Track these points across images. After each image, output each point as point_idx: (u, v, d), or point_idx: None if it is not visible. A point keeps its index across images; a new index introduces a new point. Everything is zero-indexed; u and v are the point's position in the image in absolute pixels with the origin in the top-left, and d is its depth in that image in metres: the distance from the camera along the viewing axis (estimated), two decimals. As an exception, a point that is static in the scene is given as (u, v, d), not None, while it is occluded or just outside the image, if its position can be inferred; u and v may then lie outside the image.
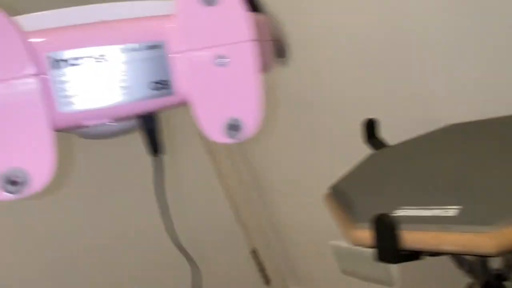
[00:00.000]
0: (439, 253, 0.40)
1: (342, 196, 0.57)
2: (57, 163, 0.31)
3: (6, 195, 0.29)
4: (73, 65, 0.31)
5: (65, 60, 0.31)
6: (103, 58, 0.32)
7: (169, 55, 0.33)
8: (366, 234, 0.42)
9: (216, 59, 0.33)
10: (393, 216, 0.42)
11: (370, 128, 0.74)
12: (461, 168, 0.50)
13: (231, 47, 0.34)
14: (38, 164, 0.30)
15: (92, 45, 0.31)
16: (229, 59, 0.34)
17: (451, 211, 0.40)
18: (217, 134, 0.34)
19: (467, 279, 0.63)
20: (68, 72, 0.31)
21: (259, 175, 1.35)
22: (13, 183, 0.29)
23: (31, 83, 0.30)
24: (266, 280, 1.35)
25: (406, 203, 0.45)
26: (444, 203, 0.41)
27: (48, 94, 0.30)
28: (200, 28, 0.33)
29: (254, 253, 1.33)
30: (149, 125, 0.39)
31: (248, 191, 1.34)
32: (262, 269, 1.34)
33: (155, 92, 0.33)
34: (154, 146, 0.40)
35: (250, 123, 0.35)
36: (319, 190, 1.14)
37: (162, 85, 0.33)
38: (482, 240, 0.35)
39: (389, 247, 0.40)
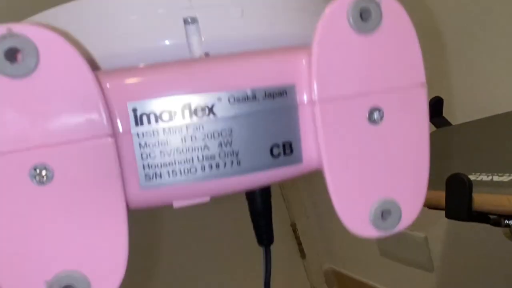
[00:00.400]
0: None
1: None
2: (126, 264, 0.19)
3: None
4: (164, 120, 0.20)
5: (155, 114, 0.20)
6: (208, 111, 0.20)
7: (300, 106, 0.21)
8: (437, 194, 0.43)
9: (371, 113, 0.21)
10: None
11: (436, 107, 0.69)
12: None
13: (396, 94, 0.21)
14: (105, 269, 0.19)
15: (193, 91, 0.20)
16: (388, 113, 0.21)
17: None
18: (361, 224, 0.22)
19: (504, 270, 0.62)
20: (157, 131, 0.20)
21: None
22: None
23: (105, 146, 0.19)
24: (303, 254, 1.34)
25: (478, 170, 0.46)
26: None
27: (128, 162, 0.20)
28: (349, 65, 0.21)
29: (294, 227, 1.33)
30: (259, 206, 0.29)
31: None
32: (299, 243, 1.34)
33: (276, 160, 0.21)
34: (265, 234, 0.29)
35: (410, 208, 0.23)
36: None
37: (287, 149, 0.21)
38: None
39: (462, 204, 0.41)
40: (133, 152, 0.20)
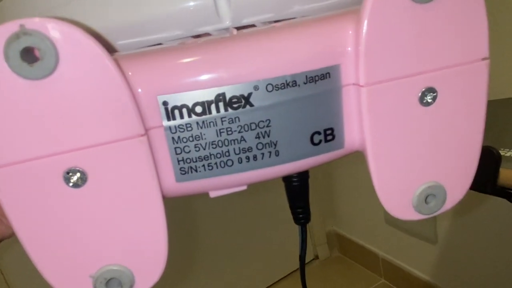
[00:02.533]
0: None
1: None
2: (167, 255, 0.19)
3: None
4: (198, 113, 0.18)
5: (187, 107, 0.18)
6: (244, 101, 0.18)
7: (344, 88, 0.19)
8: None
9: (423, 95, 0.18)
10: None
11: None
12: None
13: (453, 73, 0.18)
14: (147, 260, 0.19)
15: (228, 81, 0.18)
16: (443, 93, 0.19)
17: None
18: (403, 209, 0.20)
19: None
20: (190, 125, 0.19)
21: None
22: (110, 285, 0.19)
23: (137, 145, 0.18)
24: None
25: (507, 146, 0.46)
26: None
27: (162, 157, 0.19)
28: (403, 41, 0.18)
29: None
30: (297, 188, 0.27)
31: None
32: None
33: (317, 148, 0.20)
34: (303, 213, 0.28)
35: (456, 190, 0.21)
36: None
37: (328, 136, 0.19)
38: None
39: (489, 177, 0.41)
40: (166, 147, 0.19)
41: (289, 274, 1.35)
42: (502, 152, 0.45)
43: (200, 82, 0.18)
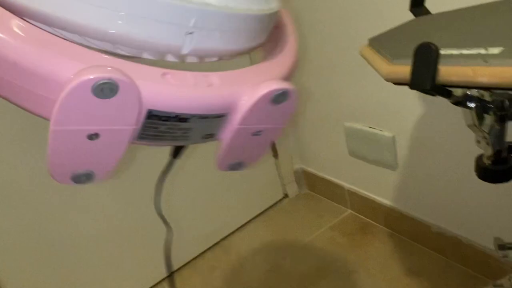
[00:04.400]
0: (473, 87, 0.44)
1: (381, 44, 0.57)
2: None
3: (73, 184, 0.36)
4: (162, 119, 0.35)
5: (158, 116, 0.35)
6: (184, 120, 0.36)
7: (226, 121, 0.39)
8: (405, 67, 0.44)
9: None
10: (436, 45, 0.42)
11: (418, -4, 0.67)
12: (506, 25, 0.50)
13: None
14: (106, 169, 0.37)
15: (187, 111, 0.35)
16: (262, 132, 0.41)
17: (492, 50, 0.40)
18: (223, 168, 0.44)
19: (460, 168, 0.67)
20: (155, 123, 0.35)
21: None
22: (80, 178, 0.37)
23: (127, 130, 0.34)
24: (275, 153, 1.40)
25: (448, 46, 0.45)
26: (486, 45, 0.42)
27: (136, 133, 0.35)
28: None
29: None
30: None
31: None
32: (272, 143, 1.37)
33: (206, 139, 0.40)
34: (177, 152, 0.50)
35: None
36: (341, 67, 1.10)
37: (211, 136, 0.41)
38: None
39: (428, 72, 0.41)
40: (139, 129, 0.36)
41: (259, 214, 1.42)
42: (443, 51, 0.44)
43: (177, 107, 0.36)
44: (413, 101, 0.93)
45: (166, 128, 0.35)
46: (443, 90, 0.43)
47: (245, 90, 0.38)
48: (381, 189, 1.17)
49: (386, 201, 1.17)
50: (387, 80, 0.49)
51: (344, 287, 1.06)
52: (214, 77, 0.38)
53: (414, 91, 0.74)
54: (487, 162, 0.60)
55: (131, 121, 0.33)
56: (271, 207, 1.45)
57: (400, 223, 1.15)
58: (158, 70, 0.35)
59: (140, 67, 0.34)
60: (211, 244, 1.32)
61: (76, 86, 0.29)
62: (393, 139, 1.03)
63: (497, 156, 0.59)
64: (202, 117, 0.35)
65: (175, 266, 1.26)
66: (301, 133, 1.40)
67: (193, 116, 0.35)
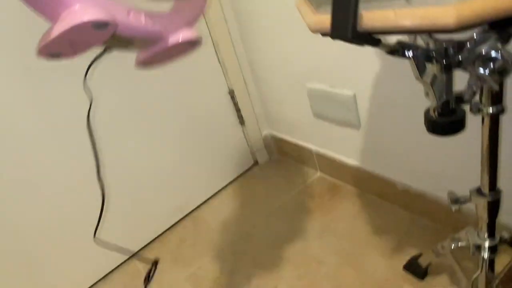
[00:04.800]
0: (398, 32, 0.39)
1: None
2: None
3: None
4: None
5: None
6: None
7: None
8: (327, 16, 0.40)
9: None
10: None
11: None
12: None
13: None
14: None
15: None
16: None
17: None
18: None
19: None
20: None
21: (242, 21, 1.21)
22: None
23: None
24: (241, 120, 1.35)
25: None
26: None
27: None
28: None
29: (232, 94, 1.30)
30: None
31: (229, 31, 1.22)
32: (238, 110, 1.33)
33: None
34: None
35: None
36: (294, 27, 1.04)
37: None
38: (442, 11, 0.33)
39: (348, 19, 0.38)
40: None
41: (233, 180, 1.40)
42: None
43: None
44: (371, 57, 0.89)
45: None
46: (367, 38, 0.39)
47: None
48: (347, 149, 1.15)
49: (353, 162, 1.16)
50: (314, 31, 0.44)
51: (314, 250, 1.06)
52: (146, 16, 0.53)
53: (371, 48, 0.70)
54: (434, 114, 0.57)
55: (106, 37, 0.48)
56: (241, 175, 1.43)
57: (367, 183, 1.14)
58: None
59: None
60: (180, 217, 1.30)
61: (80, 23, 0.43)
62: (354, 97, 1.00)
63: (444, 107, 0.56)
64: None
65: (144, 242, 1.24)
66: (266, 98, 1.35)
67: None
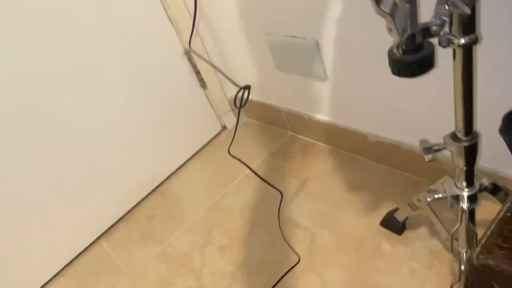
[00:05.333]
0: None
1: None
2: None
3: None
4: None
5: None
6: None
7: None
8: None
9: None
10: None
11: None
12: None
13: None
14: None
15: None
16: None
17: None
18: None
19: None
20: None
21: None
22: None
23: None
24: (203, 83, 1.24)
25: None
26: None
27: None
28: None
29: (189, 55, 1.18)
30: None
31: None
32: (197, 72, 1.21)
33: None
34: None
35: None
36: None
37: None
38: None
39: None
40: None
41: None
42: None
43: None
44: (332, 1, 0.79)
45: None
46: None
47: None
48: (316, 105, 1.07)
49: (323, 117, 1.08)
50: None
51: (288, 214, 1.00)
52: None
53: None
54: (398, 52, 0.49)
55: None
56: (209, 142, 1.34)
57: (339, 138, 1.08)
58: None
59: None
60: (147, 192, 1.22)
61: None
62: (317, 45, 0.91)
63: (409, 43, 0.48)
64: None
65: (111, 221, 1.17)
66: (227, 56, 1.24)
67: None
